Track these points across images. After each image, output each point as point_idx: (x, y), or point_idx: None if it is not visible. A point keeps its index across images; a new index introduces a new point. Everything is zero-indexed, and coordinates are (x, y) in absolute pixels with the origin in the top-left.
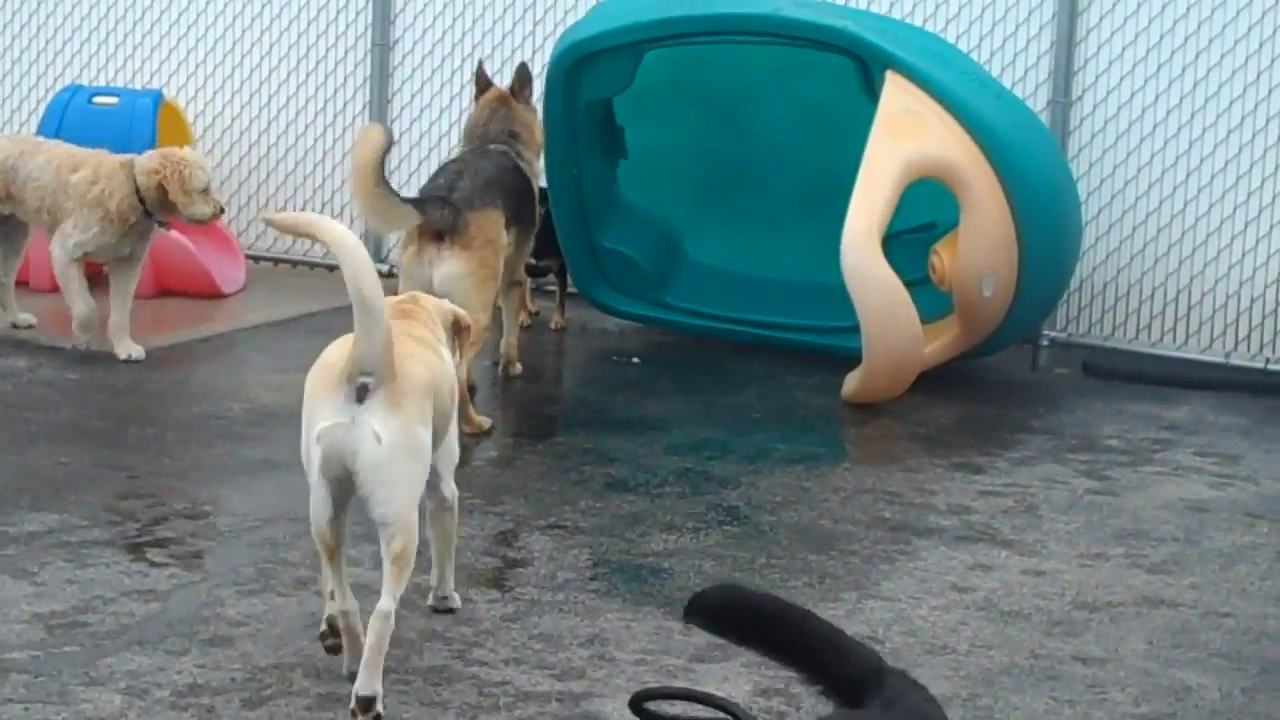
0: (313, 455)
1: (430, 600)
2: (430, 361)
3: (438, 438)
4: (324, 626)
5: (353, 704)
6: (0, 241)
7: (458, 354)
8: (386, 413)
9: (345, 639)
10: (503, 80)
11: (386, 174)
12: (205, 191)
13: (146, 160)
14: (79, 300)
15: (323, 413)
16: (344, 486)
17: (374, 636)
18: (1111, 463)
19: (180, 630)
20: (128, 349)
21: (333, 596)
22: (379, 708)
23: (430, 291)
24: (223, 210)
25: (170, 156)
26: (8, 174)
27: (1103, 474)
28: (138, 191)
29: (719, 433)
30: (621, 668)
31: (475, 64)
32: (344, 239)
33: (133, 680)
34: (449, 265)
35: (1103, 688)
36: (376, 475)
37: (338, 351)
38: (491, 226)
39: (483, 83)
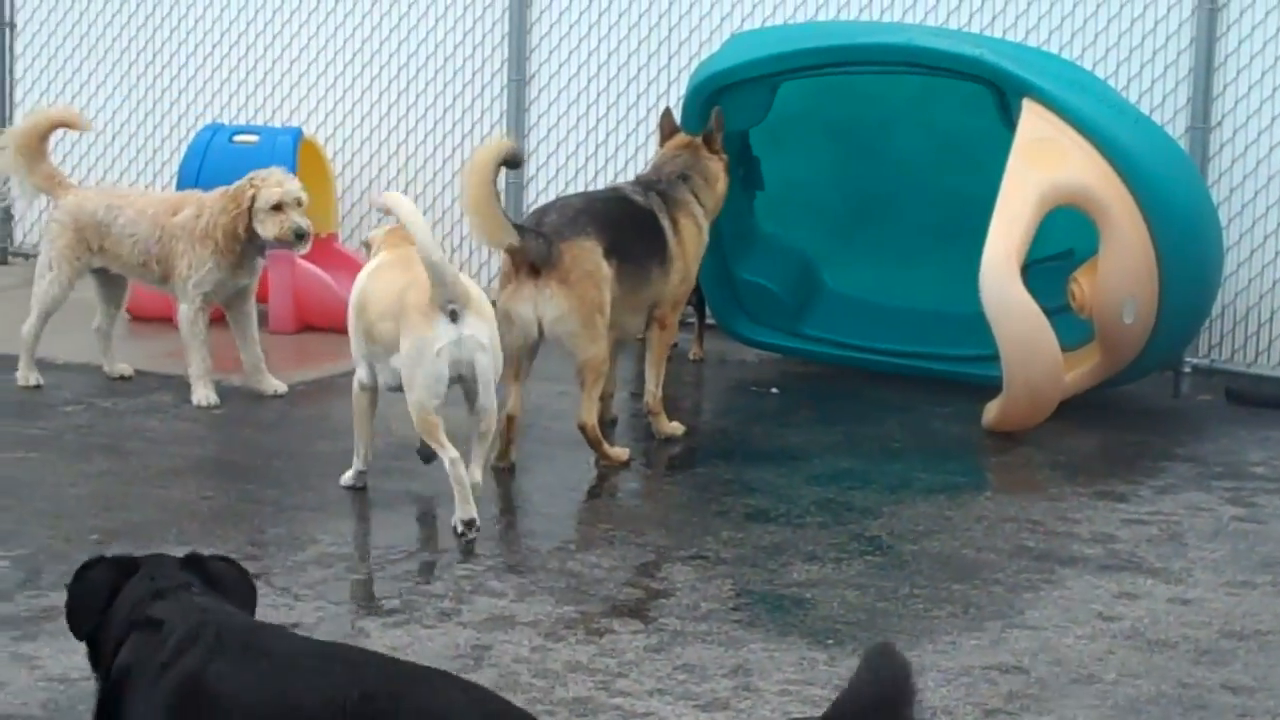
0: (438, 367)
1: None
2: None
3: None
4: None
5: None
6: (100, 293)
7: (583, 397)
8: (481, 326)
9: (455, 487)
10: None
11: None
12: (278, 208)
13: (250, 185)
14: (200, 360)
15: (437, 336)
16: (453, 384)
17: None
18: (1257, 489)
19: None
20: (271, 384)
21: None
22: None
23: (536, 335)
24: (302, 234)
25: (264, 178)
26: (100, 229)
27: (1248, 501)
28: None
29: (859, 462)
30: (766, 698)
31: (611, 98)
32: (406, 207)
33: None
34: (553, 305)
35: (1252, 717)
36: (485, 375)
37: (416, 292)
38: (587, 258)
39: (668, 128)
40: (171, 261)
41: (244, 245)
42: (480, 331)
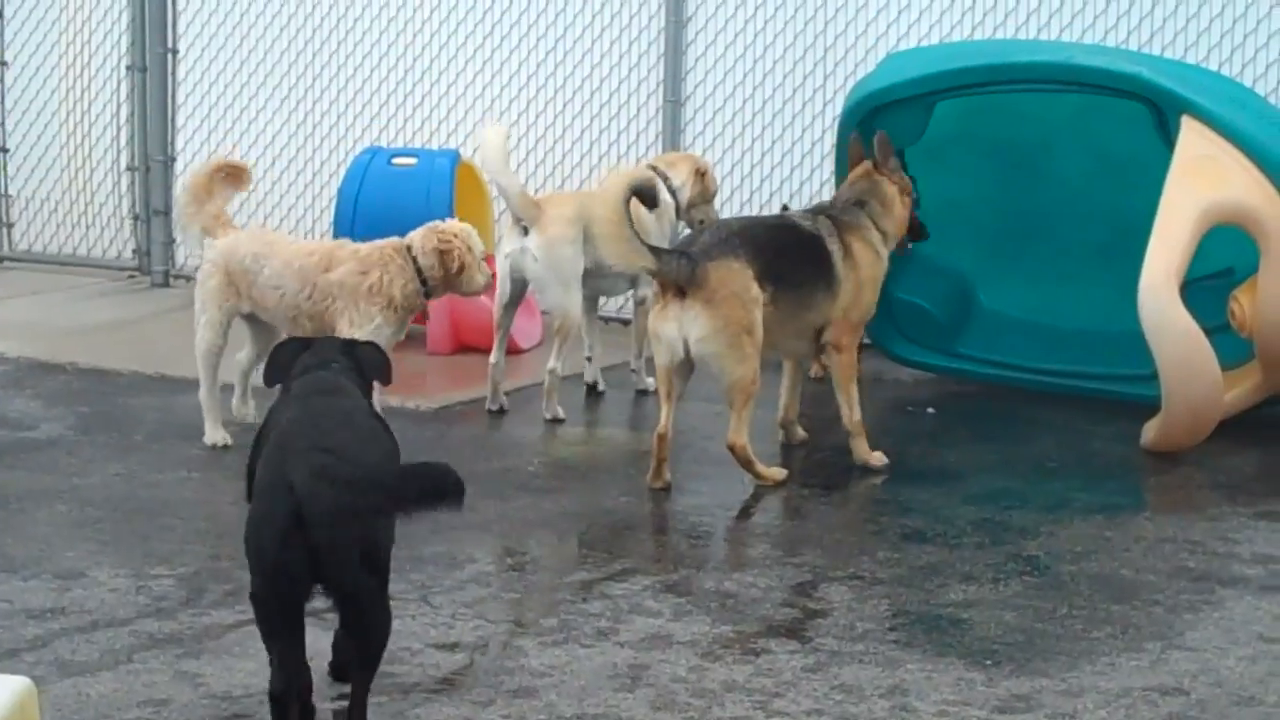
0: (503, 268)
1: None
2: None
3: None
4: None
5: None
6: (251, 331)
7: (732, 417)
8: (539, 241)
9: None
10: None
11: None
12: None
13: (425, 239)
14: None
15: (506, 243)
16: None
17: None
18: None
19: (485, 681)
20: None
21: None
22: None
23: (682, 354)
24: (491, 278)
25: (447, 230)
26: (247, 275)
27: None
28: (419, 274)
29: (1016, 482)
30: (923, 719)
31: (767, 119)
32: (487, 138)
33: None
34: (696, 326)
35: None
36: (538, 280)
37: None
38: (734, 279)
39: (855, 155)
40: (327, 319)
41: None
42: (535, 245)
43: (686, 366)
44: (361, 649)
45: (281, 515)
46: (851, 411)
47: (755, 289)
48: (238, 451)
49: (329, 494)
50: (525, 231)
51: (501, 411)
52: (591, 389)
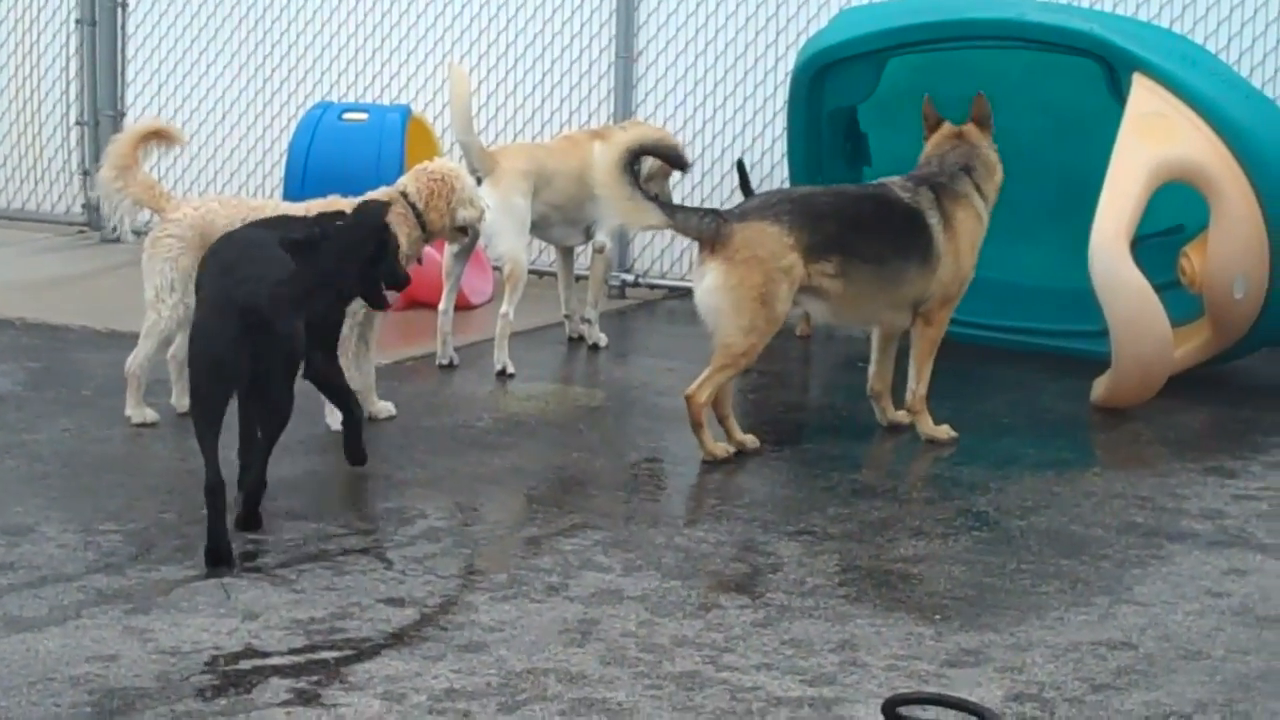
0: None
1: None
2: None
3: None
4: None
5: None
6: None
7: (704, 373)
8: (490, 192)
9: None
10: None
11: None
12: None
13: (418, 183)
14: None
15: None
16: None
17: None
18: None
19: (435, 636)
20: (383, 408)
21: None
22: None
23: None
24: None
25: (437, 170)
26: None
27: None
28: (419, 219)
29: (967, 438)
30: (873, 673)
31: (719, 75)
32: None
33: (390, 685)
34: (706, 279)
35: None
36: (488, 229)
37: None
38: (763, 242)
39: (933, 118)
40: None
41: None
42: (488, 194)
43: None
44: (268, 426)
45: (231, 327)
46: (919, 386)
47: (792, 259)
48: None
49: (266, 313)
50: (479, 181)
51: (451, 366)
52: (595, 348)
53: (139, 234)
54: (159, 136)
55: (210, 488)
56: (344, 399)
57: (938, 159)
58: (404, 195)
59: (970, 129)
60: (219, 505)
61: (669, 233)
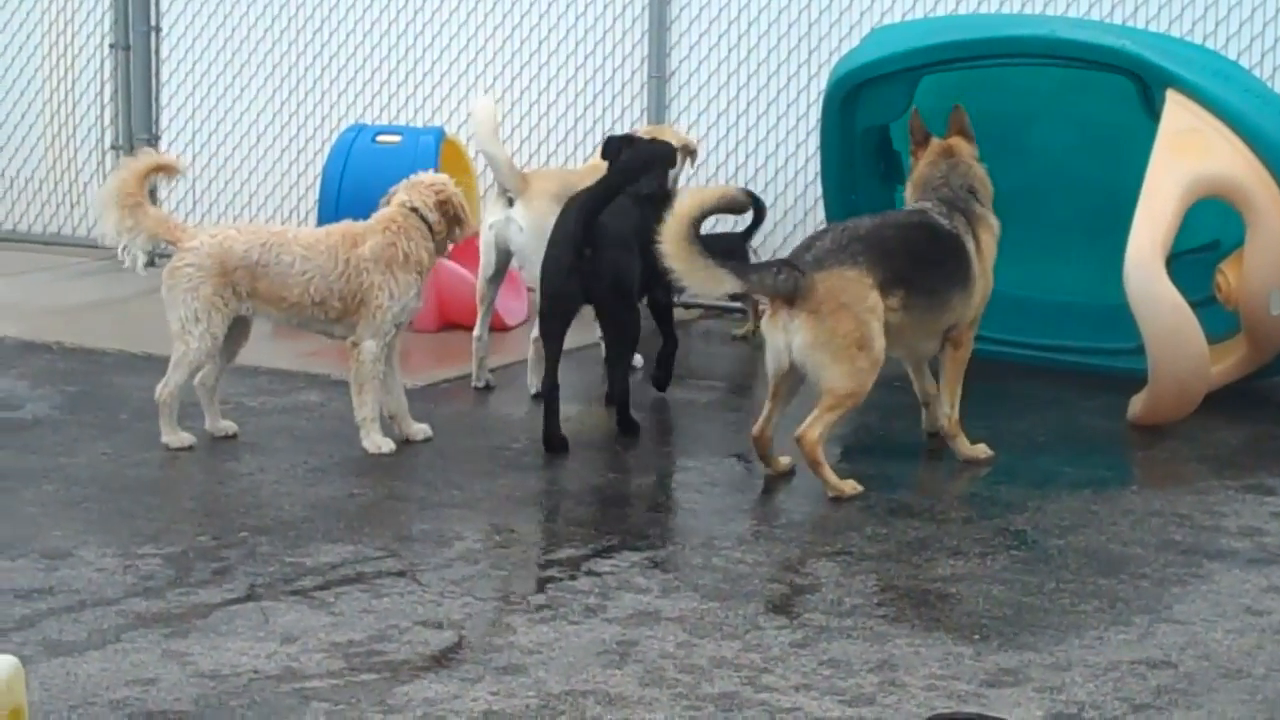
0: (487, 238)
1: None
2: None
3: None
4: None
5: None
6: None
7: (815, 413)
8: (524, 213)
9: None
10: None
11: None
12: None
13: (425, 197)
14: (374, 402)
15: (494, 212)
16: (505, 258)
17: (531, 357)
18: None
19: (473, 658)
20: (418, 430)
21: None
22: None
23: (787, 362)
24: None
25: (436, 181)
26: (254, 270)
27: None
28: (431, 232)
29: (1004, 457)
30: (912, 693)
31: (752, 94)
32: (478, 109)
33: (429, 708)
34: (799, 336)
35: None
36: (521, 252)
37: None
38: (846, 288)
39: (919, 134)
40: (362, 296)
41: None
42: (520, 216)
43: (794, 373)
44: (613, 345)
45: (567, 258)
46: (954, 411)
47: (874, 298)
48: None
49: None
50: (510, 203)
51: (488, 388)
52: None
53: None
54: (161, 169)
55: (548, 390)
56: (669, 329)
57: (942, 179)
58: (415, 210)
59: (959, 143)
60: (553, 405)
61: None
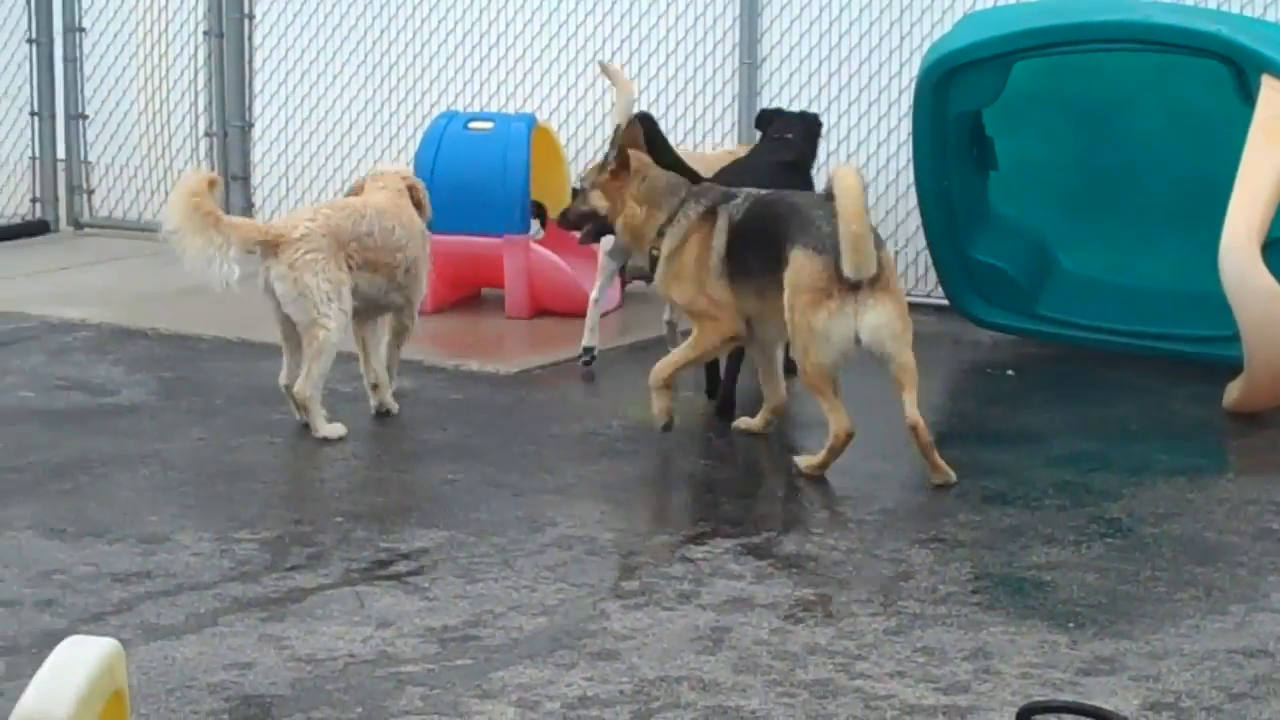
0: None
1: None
2: None
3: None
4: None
5: None
6: (289, 350)
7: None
8: None
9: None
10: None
11: None
12: None
13: (406, 179)
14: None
15: None
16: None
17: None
18: None
19: (568, 644)
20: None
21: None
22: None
23: (853, 346)
24: None
25: (399, 173)
26: (363, 241)
27: None
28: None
29: (1098, 445)
30: (1007, 681)
31: (843, 80)
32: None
33: (524, 693)
34: (873, 314)
35: None
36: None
37: None
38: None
39: (633, 140)
40: (413, 263)
41: None
42: None
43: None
44: None
45: None
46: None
47: None
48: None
49: None
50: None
51: (591, 356)
52: None
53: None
54: (213, 184)
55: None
56: None
57: (675, 183)
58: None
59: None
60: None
61: None
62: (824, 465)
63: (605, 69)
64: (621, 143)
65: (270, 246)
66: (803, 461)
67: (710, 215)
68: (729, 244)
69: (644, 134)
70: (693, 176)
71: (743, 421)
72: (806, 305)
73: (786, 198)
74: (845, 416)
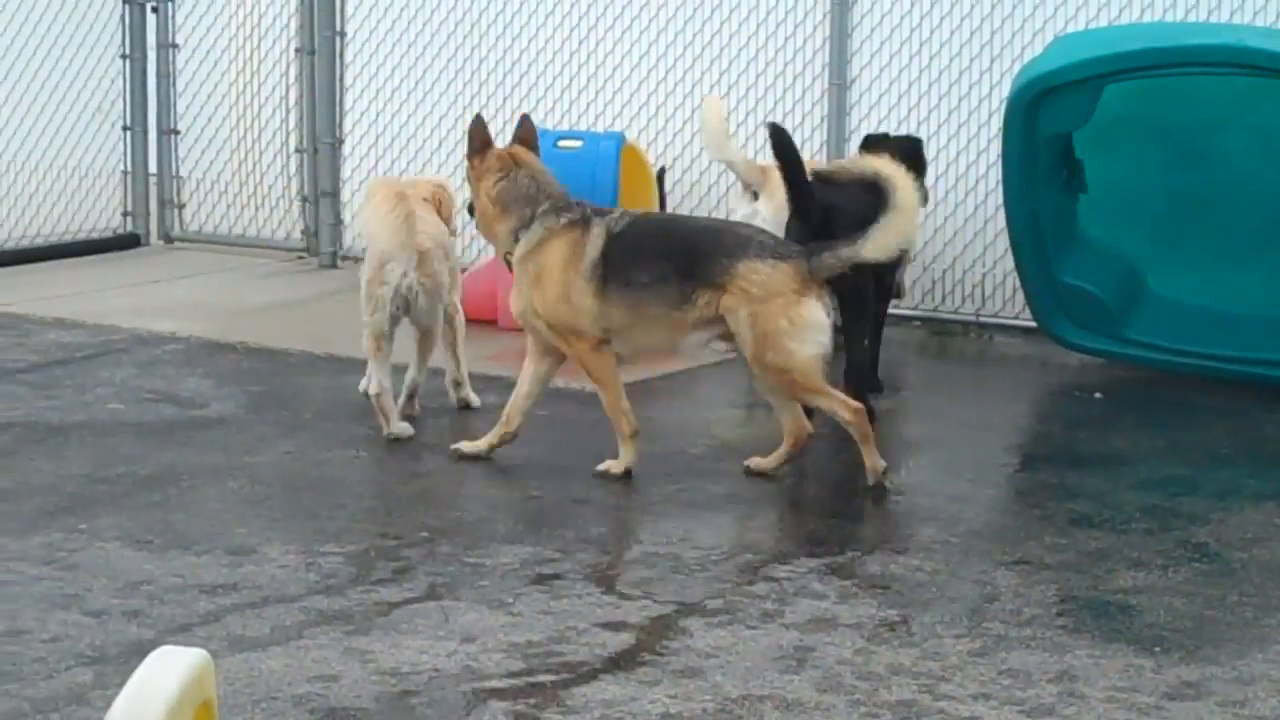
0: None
1: None
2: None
3: None
4: None
5: None
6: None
7: None
8: (766, 204)
9: None
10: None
11: None
12: None
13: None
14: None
15: (741, 207)
16: None
17: None
18: None
19: (651, 661)
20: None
21: None
22: None
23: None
24: None
25: (431, 180)
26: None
27: None
28: None
29: (1186, 469)
30: (1092, 705)
31: (933, 101)
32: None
33: (607, 709)
34: (814, 312)
35: None
36: None
37: None
38: None
39: (478, 141)
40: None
41: None
42: (765, 208)
43: None
44: (850, 322)
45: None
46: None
47: None
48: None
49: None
50: (755, 196)
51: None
52: None
53: (355, 260)
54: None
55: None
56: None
57: (533, 188)
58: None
59: (524, 151)
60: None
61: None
62: (872, 449)
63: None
64: (513, 139)
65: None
66: (876, 466)
67: (582, 225)
68: (605, 253)
69: (780, 147)
70: (806, 200)
71: (753, 461)
72: (784, 306)
73: (683, 219)
74: (849, 400)
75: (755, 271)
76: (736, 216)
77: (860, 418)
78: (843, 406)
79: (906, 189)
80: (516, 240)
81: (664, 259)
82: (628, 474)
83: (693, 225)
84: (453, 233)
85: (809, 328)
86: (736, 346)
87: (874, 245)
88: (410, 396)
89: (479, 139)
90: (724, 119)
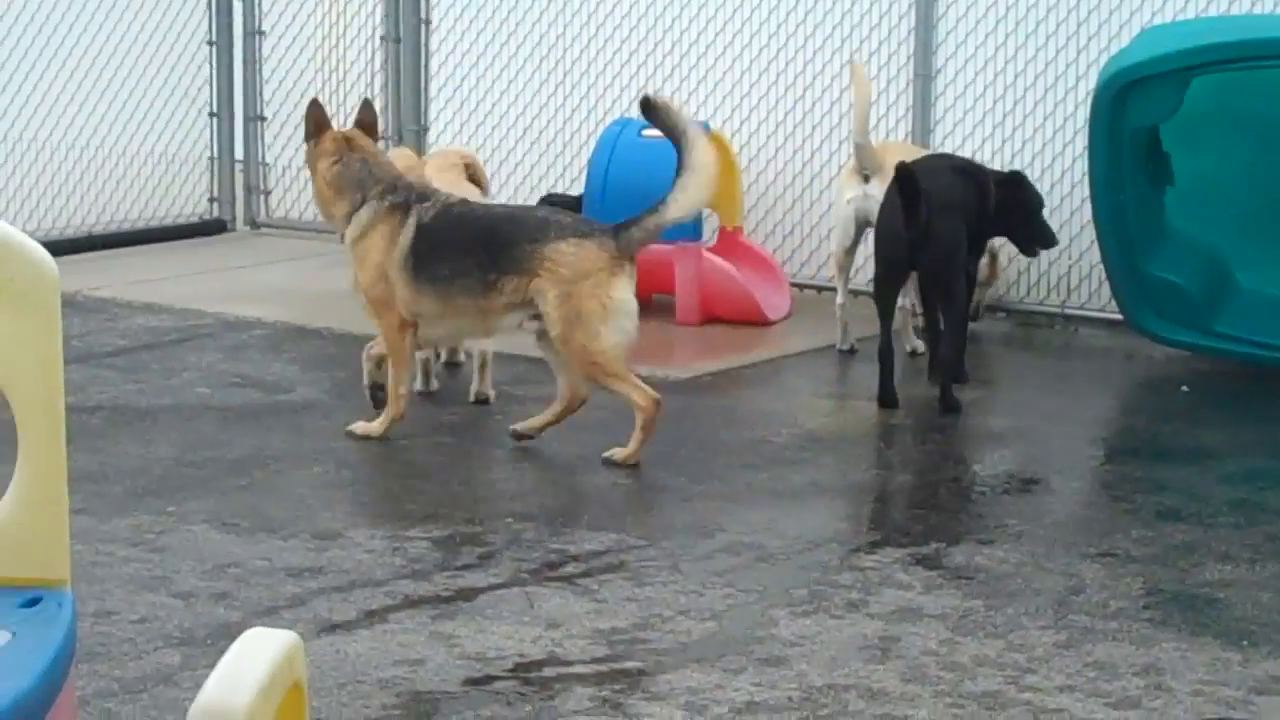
0: (844, 212)
1: None
2: None
3: None
4: None
5: None
6: None
7: None
8: (880, 185)
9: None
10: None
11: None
12: None
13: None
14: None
15: (852, 189)
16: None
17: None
18: None
19: (735, 649)
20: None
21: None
22: None
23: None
24: None
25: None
26: None
27: None
28: None
29: (1273, 462)
30: (1179, 698)
31: (1019, 93)
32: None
33: (692, 696)
34: (628, 290)
35: None
36: None
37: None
38: None
39: (316, 124)
40: None
41: None
42: (879, 191)
43: None
44: (945, 312)
45: (901, 225)
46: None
47: None
48: (489, 419)
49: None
50: (866, 178)
51: (852, 351)
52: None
53: None
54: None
55: (881, 351)
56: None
57: (364, 172)
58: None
59: (360, 135)
60: (888, 364)
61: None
62: (638, 450)
63: (853, 69)
64: (354, 122)
65: None
66: (620, 454)
67: (402, 212)
68: (414, 244)
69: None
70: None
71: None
72: (595, 287)
73: (487, 209)
74: (648, 389)
75: (561, 253)
76: (847, 195)
77: (656, 409)
78: (640, 394)
79: (700, 147)
80: (348, 221)
81: (464, 252)
82: (369, 438)
83: (495, 214)
84: (485, 193)
85: (619, 313)
86: (544, 327)
87: (676, 207)
88: (481, 366)
89: (315, 122)
90: (870, 97)
